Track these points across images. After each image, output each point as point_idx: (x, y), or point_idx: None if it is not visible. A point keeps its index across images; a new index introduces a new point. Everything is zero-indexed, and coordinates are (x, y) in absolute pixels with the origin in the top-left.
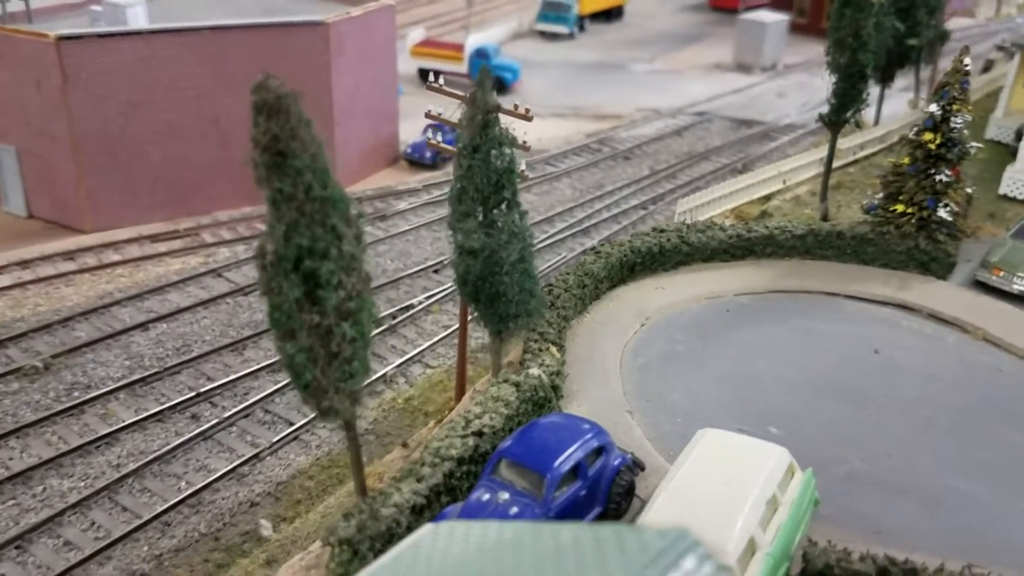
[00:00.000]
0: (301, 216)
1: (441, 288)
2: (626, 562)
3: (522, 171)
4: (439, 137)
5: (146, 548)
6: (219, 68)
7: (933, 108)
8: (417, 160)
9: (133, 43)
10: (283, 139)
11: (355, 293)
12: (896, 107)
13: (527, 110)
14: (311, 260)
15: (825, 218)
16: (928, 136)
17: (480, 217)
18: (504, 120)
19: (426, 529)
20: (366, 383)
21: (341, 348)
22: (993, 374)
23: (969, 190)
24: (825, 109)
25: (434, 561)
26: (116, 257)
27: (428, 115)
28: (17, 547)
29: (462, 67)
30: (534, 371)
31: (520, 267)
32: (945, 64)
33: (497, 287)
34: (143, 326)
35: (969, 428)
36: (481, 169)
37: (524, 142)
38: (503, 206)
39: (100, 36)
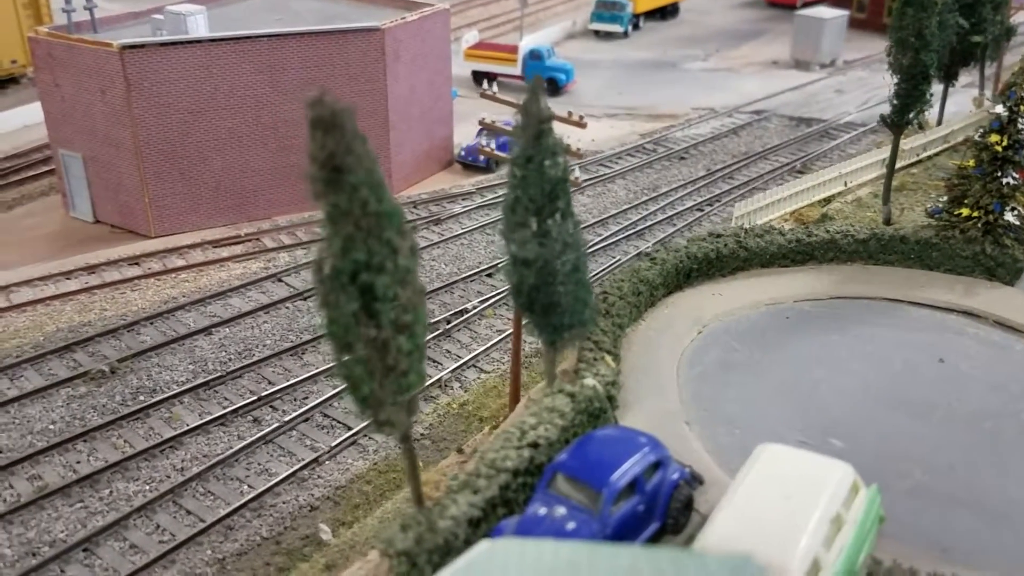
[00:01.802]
0: (358, 231)
1: (495, 292)
2: None
3: (575, 178)
4: (492, 144)
5: (209, 552)
6: (277, 76)
7: (1000, 109)
8: (471, 163)
9: (194, 52)
10: (339, 155)
11: (410, 306)
12: (960, 104)
13: (580, 117)
14: (367, 274)
15: (888, 221)
16: (994, 138)
17: (534, 227)
18: (557, 127)
19: (482, 546)
20: (419, 392)
21: (398, 361)
22: None
23: None
24: (887, 110)
25: None
26: (180, 262)
27: (482, 123)
28: (84, 550)
29: (515, 69)
30: (589, 381)
31: (574, 277)
32: (1011, 60)
33: (551, 297)
34: (206, 331)
35: None
36: (535, 179)
37: (577, 148)
38: (557, 216)
39: (162, 45)
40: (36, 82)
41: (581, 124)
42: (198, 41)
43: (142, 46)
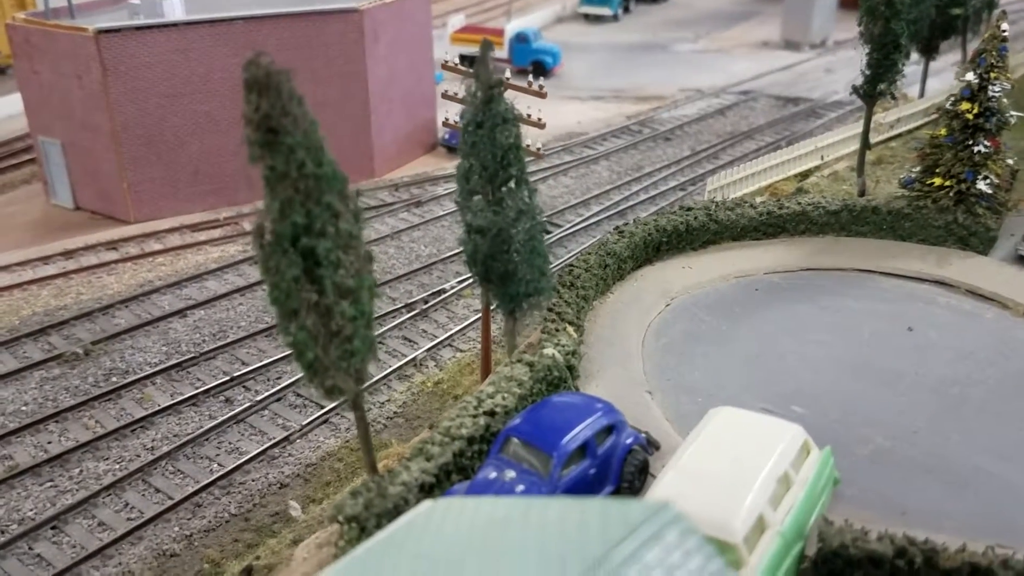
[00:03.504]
0: (295, 193)
1: None
2: (607, 535)
3: (537, 149)
4: (457, 118)
5: (177, 528)
6: None
7: (970, 77)
8: (454, 146)
9: (169, 35)
10: (274, 116)
11: (354, 271)
12: (946, 80)
13: (541, 87)
14: (308, 238)
15: (863, 193)
16: (965, 106)
17: (489, 195)
18: (517, 97)
19: (424, 505)
20: (368, 359)
21: (341, 327)
22: None
23: (1011, 161)
24: (859, 81)
25: (427, 536)
26: (157, 246)
27: (445, 95)
28: (53, 527)
29: (502, 52)
30: (548, 351)
31: (529, 245)
32: None
33: (506, 266)
34: (181, 313)
35: (1002, 406)
36: (486, 145)
37: (539, 119)
38: (511, 183)
39: (138, 29)
40: (15, 69)
41: (541, 94)
42: (174, 24)
43: (117, 30)
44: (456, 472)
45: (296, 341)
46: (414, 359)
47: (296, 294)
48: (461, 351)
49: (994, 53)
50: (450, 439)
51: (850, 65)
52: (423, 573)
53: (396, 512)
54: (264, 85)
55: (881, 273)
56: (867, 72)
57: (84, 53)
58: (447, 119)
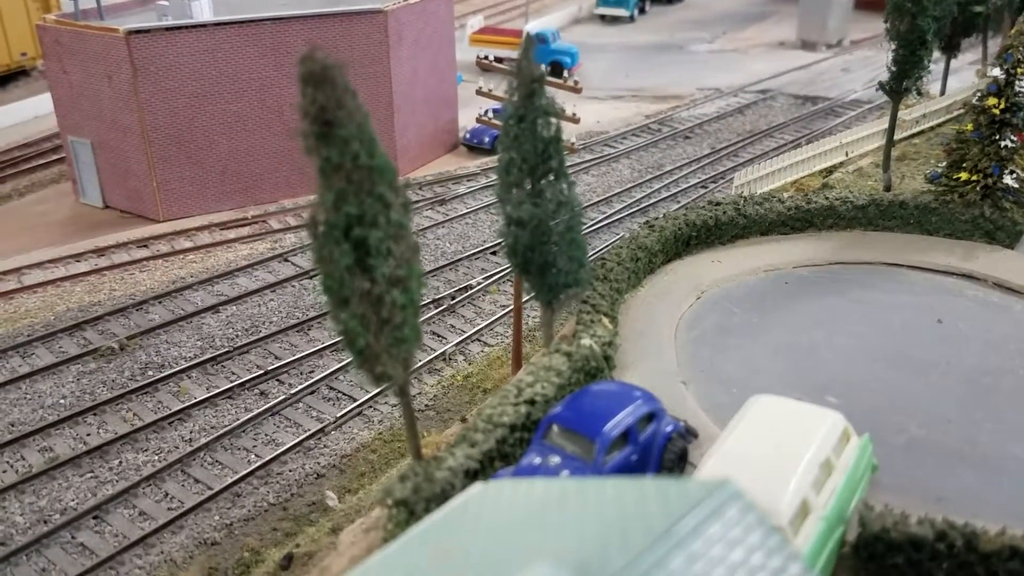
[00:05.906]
0: (349, 184)
1: (499, 269)
2: (668, 510)
3: (571, 143)
4: (490, 114)
5: (217, 517)
6: (281, 58)
7: (997, 72)
8: (476, 145)
9: (198, 36)
10: (330, 109)
11: (404, 261)
12: (965, 79)
13: (576, 82)
14: (360, 228)
15: (888, 189)
16: (992, 101)
17: (528, 187)
18: (552, 92)
19: (477, 487)
20: (415, 346)
21: (392, 315)
22: None
23: None
24: (885, 77)
25: (484, 515)
26: (187, 244)
27: (479, 91)
28: (95, 517)
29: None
30: (586, 341)
31: (568, 236)
32: None
33: (546, 257)
34: (214, 309)
35: None
36: (528, 138)
37: (574, 114)
38: (550, 176)
39: (167, 30)
40: (45, 70)
41: (576, 89)
42: (202, 25)
43: (147, 31)
44: (499, 459)
45: (348, 329)
46: (443, 353)
47: (348, 283)
48: (489, 345)
49: (1020, 49)
50: (492, 426)
51: (867, 65)
52: (487, 544)
53: (444, 496)
54: (320, 79)
55: (909, 267)
56: (893, 69)
57: (115, 54)
58: (480, 115)
